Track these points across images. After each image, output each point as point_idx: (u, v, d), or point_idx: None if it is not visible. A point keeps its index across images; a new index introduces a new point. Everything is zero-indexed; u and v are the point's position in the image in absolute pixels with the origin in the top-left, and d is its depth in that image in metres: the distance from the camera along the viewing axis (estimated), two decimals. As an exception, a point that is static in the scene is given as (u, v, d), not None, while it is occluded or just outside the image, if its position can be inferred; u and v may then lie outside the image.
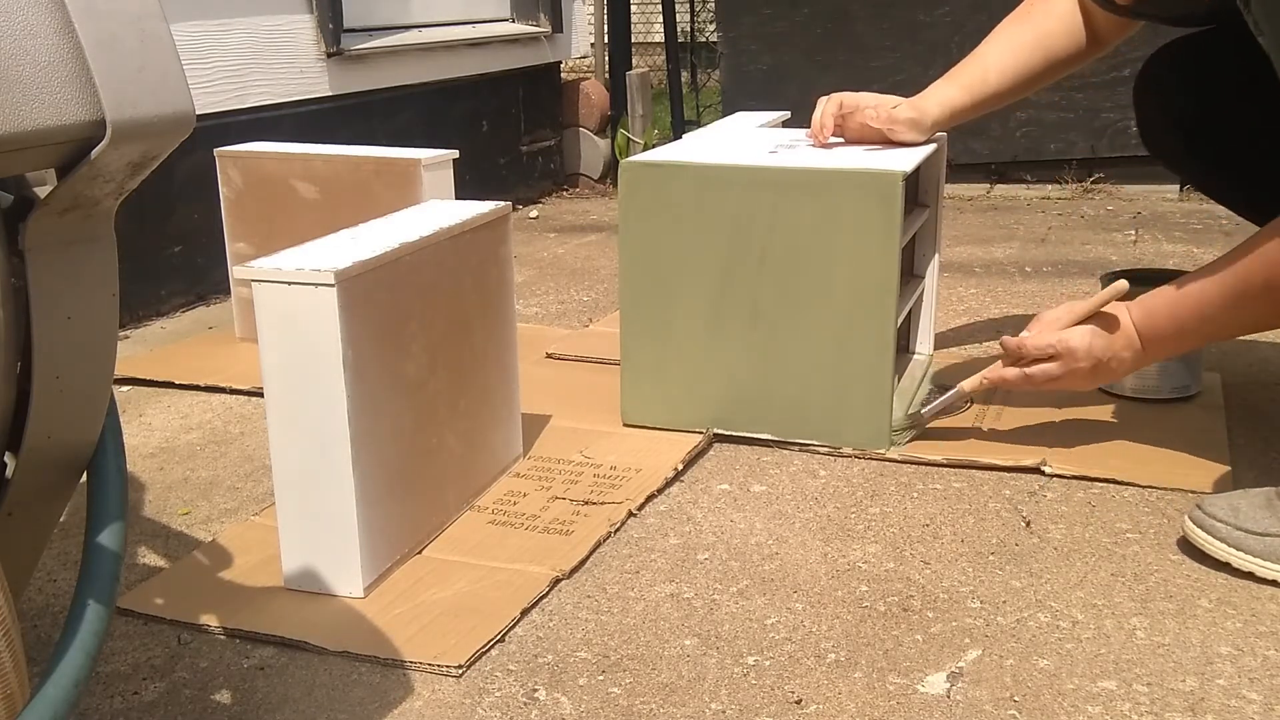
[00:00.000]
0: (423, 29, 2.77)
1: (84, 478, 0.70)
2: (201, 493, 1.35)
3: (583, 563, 1.15)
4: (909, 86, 1.58)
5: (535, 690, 0.95)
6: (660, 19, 3.89)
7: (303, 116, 2.37)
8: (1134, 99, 1.62)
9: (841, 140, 1.53)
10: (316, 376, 1.03)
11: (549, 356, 1.78)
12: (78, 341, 0.65)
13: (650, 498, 1.29)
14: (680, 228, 1.39)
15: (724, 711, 0.91)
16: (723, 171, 1.37)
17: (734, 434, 1.44)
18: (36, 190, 0.62)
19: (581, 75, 3.61)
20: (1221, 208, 1.93)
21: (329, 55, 2.41)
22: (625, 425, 1.47)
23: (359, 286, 1.04)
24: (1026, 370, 1.31)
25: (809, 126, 1.56)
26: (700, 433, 1.43)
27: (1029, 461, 1.33)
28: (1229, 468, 1.31)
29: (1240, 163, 1.54)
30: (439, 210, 1.27)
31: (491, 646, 1.01)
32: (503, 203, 1.30)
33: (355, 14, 2.54)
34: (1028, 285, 2.11)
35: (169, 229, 2.13)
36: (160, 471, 1.42)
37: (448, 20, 2.88)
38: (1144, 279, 1.54)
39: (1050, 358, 1.29)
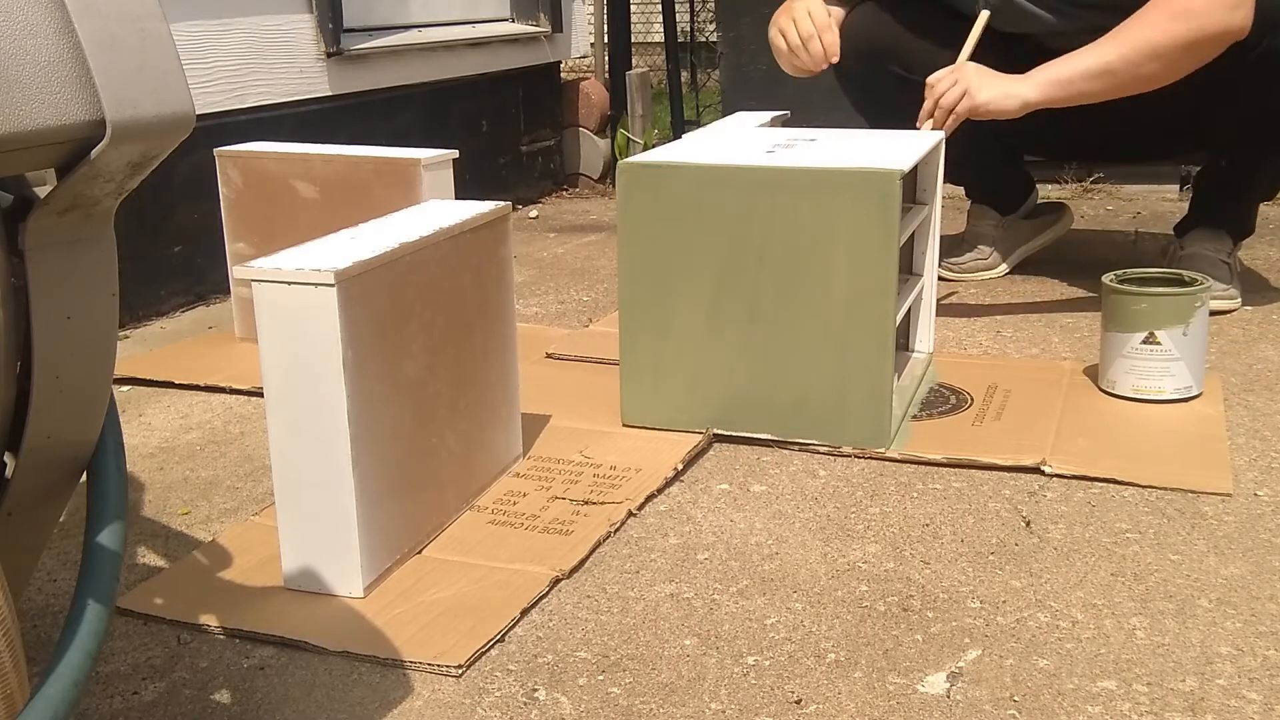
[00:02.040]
0: (423, 29, 2.77)
1: (84, 478, 0.70)
2: (201, 493, 1.35)
3: (582, 563, 1.15)
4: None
5: (535, 690, 0.95)
6: (660, 19, 3.89)
7: (302, 116, 2.37)
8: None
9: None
10: (316, 376, 1.03)
11: (549, 356, 1.78)
12: (78, 341, 0.65)
13: (650, 498, 1.29)
14: (679, 228, 1.39)
15: (724, 711, 0.91)
16: (721, 172, 1.37)
17: (734, 434, 1.44)
18: (36, 190, 0.62)
19: (581, 75, 3.61)
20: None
21: (329, 55, 2.41)
22: (625, 425, 1.47)
23: (359, 286, 1.04)
24: (940, 101, 1.72)
25: (807, 127, 1.58)
26: (700, 433, 1.43)
27: (1029, 461, 1.33)
28: (1229, 468, 1.31)
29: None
30: (439, 210, 1.27)
31: (491, 646, 1.01)
32: (503, 203, 1.30)
33: (355, 14, 2.54)
34: (1027, 285, 2.11)
35: (169, 229, 2.13)
36: (160, 471, 1.42)
37: (448, 20, 2.88)
38: (1144, 279, 1.55)
39: (954, 84, 1.72)
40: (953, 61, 1.85)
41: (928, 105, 1.76)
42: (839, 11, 1.99)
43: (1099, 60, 1.68)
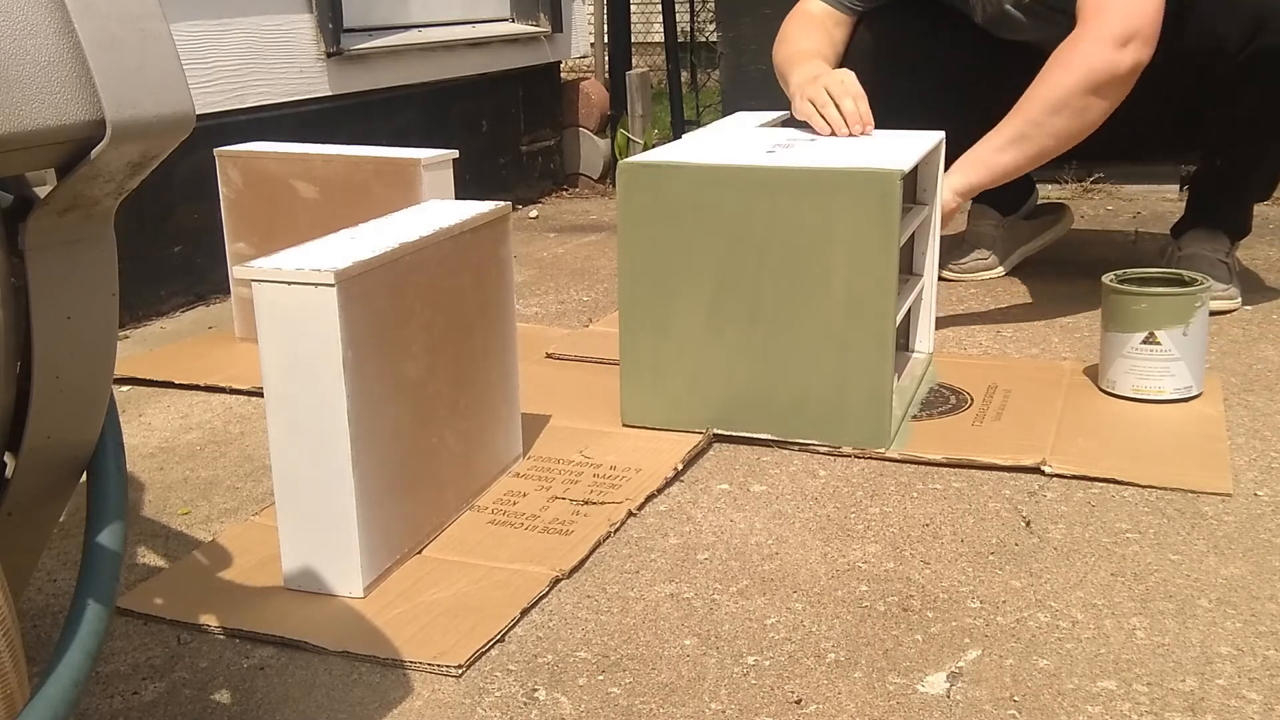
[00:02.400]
0: (423, 29, 2.77)
1: (84, 478, 0.70)
2: (201, 493, 1.35)
3: (582, 563, 1.15)
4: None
5: (535, 690, 0.95)
6: (660, 19, 3.89)
7: (302, 116, 2.37)
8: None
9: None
10: (316, 376, 1.03)
11: (549, 356, 1.78)
12: (78, 341, 0.65)
13: (650, 498, 1.29)
14: (679, 228, 1.39)
15: (724, 711, 0.91)
16: (721, 172, 1.37)
17: (734, 434, 1.44)
18: (36, 190, 0.62)
19: (581, 75, 3.61)
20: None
21: (329, 55, 2.41)
22: (625, 425, 1.47)
23: (359, 286, 1.04)
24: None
25: (807, 127, 1.57)
26: (700, 433, 1.43)
27: (1029, 461, 1.33)
28: (1229, 468, 1.31)
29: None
30: (439, 210, 1.27)
31: (491, 646, 1.01)
32: (503, 203, 1.30)
33: (355, 14, 2.54)
34: (1027, 285, 2.11)
35: (169, 229, 2.13)
36: (160, 471, 1.42)
37: (448, 20, 2.88)
38: (1144, 279, 1.55)
39: None
40: (953, 63, 1.84)
41: None
42: (843, 27, 1.99)
43: (1008, 131, 1.72)
